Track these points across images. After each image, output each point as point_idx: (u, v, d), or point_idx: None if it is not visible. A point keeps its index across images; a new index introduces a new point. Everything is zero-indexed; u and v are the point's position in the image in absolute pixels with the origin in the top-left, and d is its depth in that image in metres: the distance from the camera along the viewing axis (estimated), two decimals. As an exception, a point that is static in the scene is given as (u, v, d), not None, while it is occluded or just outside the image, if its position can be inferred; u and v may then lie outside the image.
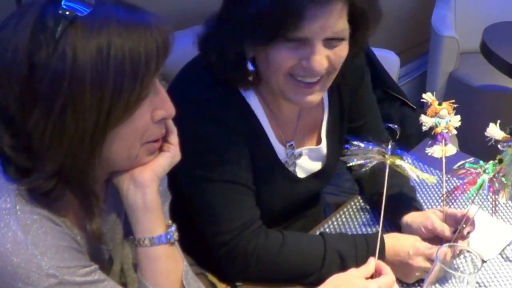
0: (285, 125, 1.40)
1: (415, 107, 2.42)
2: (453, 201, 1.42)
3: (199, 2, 2.18)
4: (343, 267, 1.23)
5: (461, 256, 1.17)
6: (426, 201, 1.60)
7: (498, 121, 1.28)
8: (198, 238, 1.30)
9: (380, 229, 1.20)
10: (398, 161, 1.18)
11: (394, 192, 1.45)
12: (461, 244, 1.21)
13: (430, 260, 1.24)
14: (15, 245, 0.87)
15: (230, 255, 1.30)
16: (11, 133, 0.89)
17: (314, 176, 1.48)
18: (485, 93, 3.22)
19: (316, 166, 1.48)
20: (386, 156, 1.19)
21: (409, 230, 1.36)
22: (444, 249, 1.13)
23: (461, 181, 1.25)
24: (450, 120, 1.29)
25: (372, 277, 1.15)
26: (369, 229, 1.49)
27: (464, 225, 1.27)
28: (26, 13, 0.88)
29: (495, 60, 2.72)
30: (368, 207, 1.56)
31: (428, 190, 1.64)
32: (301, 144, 1.44)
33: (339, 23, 1.18)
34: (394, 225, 1.42)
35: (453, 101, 1.31)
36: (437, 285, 1.12)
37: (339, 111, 1.48)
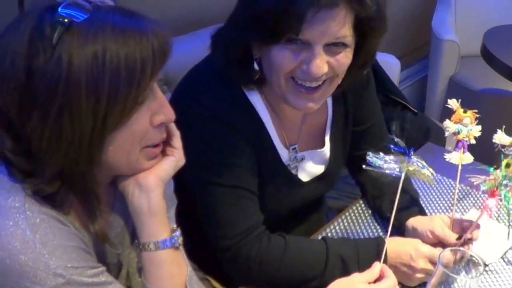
0: (289, 128, 1.40)
1: (416, 111, 2.42)
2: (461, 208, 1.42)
3: (201, 7, 2.19)
4: (345, 272, 1.23)
5: (464, 261, 1.17)
6: (434, 206, 1.60)
7: (504, 126, 1.28)
8: (201, 242, 1.30)
9: (389, 231, 1.21)
10: (413, 168, 1.20)
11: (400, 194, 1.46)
12: (463, 248, 1.20)
13: (432, 262, 1.24)
14: (24, 244, 0.88)
15: (232, 260, 1.30)
16: (12, 138, 0.90)
17: (317, 179, 1.49)
18: (486, 96, 3.22)
19: (319, 169, 1.49)
20: (404, 164, 1.20)
21: (414, 234, 1.36)
22: (447, 253, 1.13)
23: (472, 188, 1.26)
24: (471, 129, 1.29)
25: (375, 281, 1.15)
26: (371, 233, 1.49)
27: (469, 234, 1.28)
28: (24, 19, 0.89)
29: (495, 63, 2.72)
30: (370, 211, 1.56)
31: (436, 195, 1.64)
32: (304, 147, 1.45)
33: (342, 30, 1.18)
34: (397, 229, 1.42)
35: (476, 110, 1.32)
36: (439, 289, 1.12)
37: (344, 114, 1.48)
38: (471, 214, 1.48)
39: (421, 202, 1.53)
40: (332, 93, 1.33)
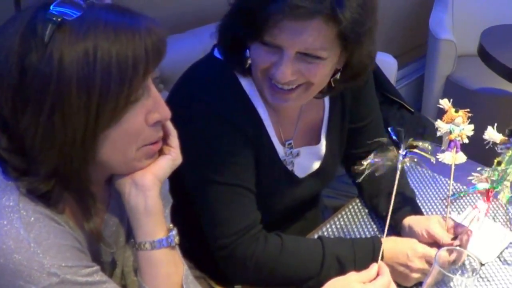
0: (285, 123, 1.41)
1: (412, 110, 2.42)
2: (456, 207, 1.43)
3: (197, 6, 2.19)
4: (341, 271, 1.23)
5: (460, 260, 1.17)
6: (430, 205, 1.60)
7: (495, 124, 1.28)
8: (197, 241, 1.30)
9: (385, 230, 1.21)
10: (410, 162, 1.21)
11: (397, 193, 1.46)
12: (459, 248, 1.21)
13: (429, 262, 1.25)
14: (18, 243, 0.88)
15: (229, 258, 1.30)
16: (6, 136, 0.90)
17: (313, 175, 1.49)
18: (483, 96, 3.22)
19: (315, 165, 1.49)
20: (400, 159, 1.21)
21: (410, 233, 1.36)
22: (443, 252, 1.13)
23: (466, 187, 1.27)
24: (463, 129, 1.29)
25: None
26: (367, 232, 1.49)
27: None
28: (19, 17, 0.89)
29: (492, 63, 2.73)
30: (366, 210, 1.57)
31: (431, 194, 1.64)
32: (300, 143, 1.45)
33: (315, 42, 1.16)
34: (393, 227, 1.43)
35: (469, 109, 1.32)
36: (435, 288, 1.12)
37: (340, 111, 1.48)
38: (467, 213, 1.48)
39: (417, 201, 1.53)
40: (322, 96, 1.35)
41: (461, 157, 1.30)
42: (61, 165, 0.90)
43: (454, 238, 1.29)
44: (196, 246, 1.31)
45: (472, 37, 3.07)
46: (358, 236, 1.48)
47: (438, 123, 1.31)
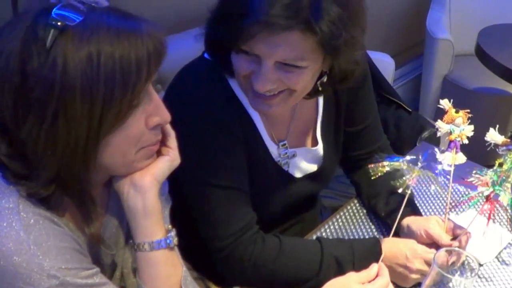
0: (277, 124, 1.40)
1: (410, 110, 2.42)
2: (456, 210, 1.43)
3: (195, 6, 2.18)
4: (340, 272, 1.23)
5: (458, 261, 1.17)
6: (429, 206, 1.60)
7: (493, 123, 1.28)
8: (195, 242, 1.29)
9: (391, 233, 1.20)
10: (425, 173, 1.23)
11: (394, 195, 1.45)
12: (458, 249, 1.20)
13: (428, 263, 1.24)
14: (17, 245, 0.88)
15: (226, 261, 1.29)
16: (7, 142, 0.90)
17: (310, 177, 1.48)
18: (480, 95, 3.23)
19: (312, 167, 1.48)
20: (416, 168, 1.23)
21: (408, 233, 1.36)
22: (441, 253, 1.13)
23: (468, 189, 1.27)
24: (463, 129, 1.29)
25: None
26: (366, 233, 1.49)
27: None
28: (18, 22, 0.88)
29: (490, 62, 2.73)
30: (365, 211, 1.56)
31: (431, 196, 1.64)
32: (295, 144, 1.44)
33: (293, 53, 1.14)
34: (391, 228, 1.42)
35: (469, 110, 1.31)
36: (434, 289, 1.12)
37: (335, 113, 1.48)
38: (467, 214, 1.48)
39: (416, 202, 1.53)
40: (310, 97, 1.34)
41: (461, 158, 1.30)
42: (62, 170, 0.90)
43: (453, 239, 1.29)
44: (194, 246, 1.30)
45: (469, 36, 3.08)
46: (357, 237, 1.47)
47: (439, 124, 1.31)
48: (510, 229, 1.50)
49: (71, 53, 0.84)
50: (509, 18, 3.32)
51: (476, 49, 2.87)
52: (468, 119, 1.31)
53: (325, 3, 1.11)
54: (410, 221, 1.38)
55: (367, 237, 1.47)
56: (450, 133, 1.30)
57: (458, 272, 1.20)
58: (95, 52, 0.84)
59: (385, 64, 2.58)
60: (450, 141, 1.30)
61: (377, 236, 1.47)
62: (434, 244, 1.30)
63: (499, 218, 1.53)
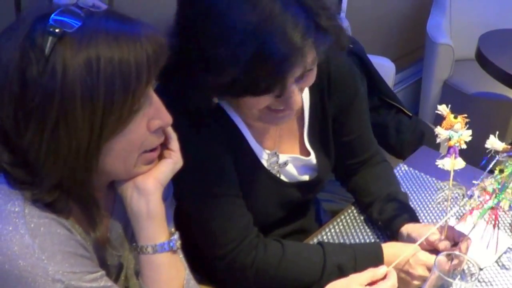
0: (264, 134, 1.37)
1: (410, 114, 2.43)
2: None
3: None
4: (342, 278, 1.23)
5: (459, 265, 1.17)
6: (428, 211, 1.60)
7: (497, 132, 1.28)
8: (196, 246, 1.29)
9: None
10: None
11: (389, 202, 1.46)
12: (458, 253, 1.21)
13: (431, 269, 1.24)
14: (23, 249, 0.88)
15: (228, 268, 1.29)
16: (9, 150, 0.90)
17: (303, 185, 1.46)
18: (480, 100, 3.23)
19: (304, 177, 1.46)
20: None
21: (408, 241, 1.35)
22: (442, 257, 1.13)
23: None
24: (461, 134, 1.29)
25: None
26: (366, 236, 1.49)
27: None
28: (16, 29, 0.88)
29: (490, 67, 2.73)
30: (365, 215, 1.56)
31: (430, 200, 1.65)
32: (284, 151, 1.41)
33: (310, 58, 1.10)
34: (390, 237, 1.43)
35: (466, 115, 1.32)
36: (434, 293, 1.12)
37: (321, 124, 1.44)
38: (469, 221, 1.48)
39: (415, 207, 1.54)
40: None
41: (460, 163, 1.30)
42: (65, 176, 0.90)
43: (454, 246, 1.29)
44: (194, 250, 1.30)
45: (469, 41, 3.08)
46: (358, 241, 1.48)
47: (438, 130, 1.32)
48: (510, 233, 1.51)
49: (70, 60, 0.83)
50: (509, 23, 3.33)
51: (476, 54, 2.88)
52: (466, 124, 1.32)
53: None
54: (410, 229, 1.37)
55: (368, 241, 1.48)
56: (449, 139, 1.30)
57: (459, 276, 1.20)
58: (94, 58, 0.84)
59: (386, 68, 2.60)
60: (449, 147, 1.31)
61: (378, 240, 1.47)
62: (435, 251, 1.30)
63: (502, 223, 1.54)
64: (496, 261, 1.41)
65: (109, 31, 0.87)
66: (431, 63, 3.38)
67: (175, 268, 1.05)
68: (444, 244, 1.28)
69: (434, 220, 1.55)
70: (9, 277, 0.87)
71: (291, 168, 1.43)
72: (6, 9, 1.52)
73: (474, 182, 1.25)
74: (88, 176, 0.92)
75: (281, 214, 1.47)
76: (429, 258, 1.26)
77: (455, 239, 1.31)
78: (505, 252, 1.44)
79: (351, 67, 1.45)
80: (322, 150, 1.46)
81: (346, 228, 1.52)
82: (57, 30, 0.84)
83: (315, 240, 1.45)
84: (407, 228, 1.37)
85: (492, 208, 1.23)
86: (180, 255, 1.09)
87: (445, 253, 1.14)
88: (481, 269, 1.38)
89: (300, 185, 1.46)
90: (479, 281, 1.35)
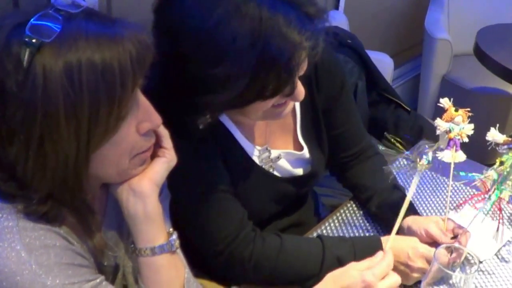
0: (253, 130, 1.36)
1: (409, 109, 2.43)
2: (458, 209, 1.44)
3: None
4: None
5: (459, 258, 1.18)
6: (428, 204, 1.60)
7: (491, 123, 1.29)
8: (191, 241, 1.28)
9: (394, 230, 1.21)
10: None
11: (387, 195, 1.47)
12: (458, 245, 1.21)
13: (430, 262, 1.25)
14: (19, 265, 0.86)
15: (226, 264, 1.29)
16: None
17: (298, 179, 1.46)
18: (478, 95, 3.24)
19: (297, 171, 1.46)
20: (419, 162, 1.22)
21: (409, 233, 1.36)
22: (442, 250, 1.13)
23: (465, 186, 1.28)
24: (463, 128, 1.30)
25: None
26: (366, 230, 1.50)
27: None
28: None
29: (488, 62, 2.74)
30: (364, 209, 1.57)
31: (429, 193, 1.65)
32: (277, 146, 1.41)
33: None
34: (390, 228, 1.43)
35: (469, 109, 1.32)
36: (434, 286, 1.13)
37: (313, 117, 1.45)
38: (465, 212, 1.49)
39: (413, 200, 1.54)
40: None
41: (461, 156, 1.31)
42: (55, 187, 0.88)
43: (453, 238, 1.30)
44: (190, 245, 1.29)
45: (467, 36, 3.09)
46: (357, 235, 1.48)
47: (438, 122, 1.32)
48: (509, 226, 1.52)
49: (49, 72, 0.80)
50: (507, 18, 3.34)
51: (474, 49, 2.88)
52: (468, 118, 1.32)
53: None
54: (410, 221, 1.38)
55: (367, 235, 1.48)
56: (449, 131, 1.30)
57: (458, 269, 1.21)
58: (76, 67, 0.80)
59: (384, 64, 2.60)
60: (450, 139, 1.31)
61: (377, 234, 1.47)
62: (434, 244, 1.31)
63: (498, 215, 1.54)
64: (496, 254, 1.42)
65: (89, 35, 0.83)
66: (429, 58, 3.38)
67: (175, 268, 1.04)
68: (444, 237, 1.29)
69: (432, 213, 1.55)
70: None
71: (284, 163, 1.42)
72: (4, 9, 1.51)
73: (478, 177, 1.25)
74: (79, 184, 0.89)
75: (277, 209, 1.47)
76: (429, 250, 1.26)
77: (455, 231, 1.32)
78: (504, 245, 1.44)
79: (336, 59, 1.45)
80: (316, 143, 1.46)
81: (346, 222, 1.53)
82: (34, 41, 0.80)
83: (314, 234, 1.45)
84: (407, 221, 1.38)
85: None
86: (180, 254, 1.08)
87: (444, 245, 1.15)
88: (480, 262, 1.38)
89: (294, 179, 1.46)
90: (478, 273, 1.36)
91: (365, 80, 2.29)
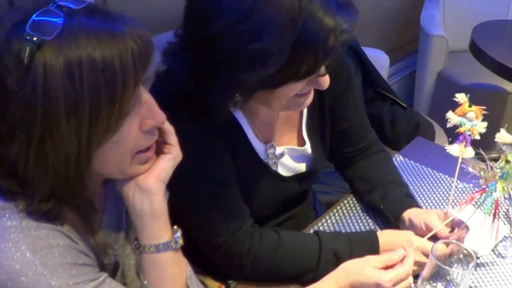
0: (263, 126, 1.37)
1: (405, 105, 2.44)
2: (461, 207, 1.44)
3: (182, 3, 2.18)
4: (338, 265, 1.23)
5: (456, 254, 1.18)
6: (428, 201, 1.61)
7: (506, 125, 1.28)
8: (189, 235, 1.28)
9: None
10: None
11: (392, 188, 1.48)
12: (455, 241, 1.21)
13: (425, 254, 1.25)
14: (24, 266, 0.85)
15: (225, 258, 1.29)
16: None
17: (299, 176, 1.47)
18: (474, 91, 3.20)
19: (301, 166, 1.47)
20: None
21: (409, 226, 1.37)
22: (439, 245, 1.13)
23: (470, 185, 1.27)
24: (476, 125, 1.30)
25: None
26: (362, 227, 1.50)
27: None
28: None
29: (484, 58, 2.74)
30: (361, 205, 1.57)
31: (429, 190, 1.65)
32: (282, 143, 1.42)
33: None
34: (392, 221, 1.43)
35: (485, 107, 1.32)
36: (431, 281, 1.13)
37: (319, 113, 1.46)
38: (468, 210, 1.49)
39: (416, 196, 1.55)
40: None
41: (469, 152, 1.30)
42: (57, 186, 0.87)
43: (452, 231, 1.30)
44: (189, 241, 1.29)
45: (463, 33, 3.09)
46: (354, 231, 1.48)
47: (449, 115, 1.32)
48: (506, 222, 1.52)
49: (50, 69, 0.79)
50: (502, 14, 3.34)
51: (470, 45, 2.88)
52: (481, 115, 1.32)
53: None
54: (412, 214, 1.38)
55: (364, 230, 1.48)
56: (460, 125, 1.30)
57: (456, 264, 1.21)
58: (76, 66, 0.80)
59: (380, 60, 2.60)
60: (459, 134, 1.31)
61: (374, 230, 1.47)
62: (434, 237, 1.31)
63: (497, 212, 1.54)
64: (493, 250, 1.42)
65: (90, 32, 0.82)
66: (425, 55, 3.38)
67: (178, 265, 1.04)
68: (443, 231, 1.29)
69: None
70: None
71: (287, 159, 1.43)
72: (0, 8, 1.50)
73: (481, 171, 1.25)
74: (81, 182, 0.89)
75: (278, 206, 1.48)
76: (423, 242, 1.27)
77: (454, 226, 1.32)
78: (501, 241, 1.44)
79: (343, 56, 1.47)
80: (318, 139, 1.47)
81: (343, 218, 1.53)
82: (34, 39, 0.80)
83: (311, 230, 1.45)
84: (409, 214, 1.38)
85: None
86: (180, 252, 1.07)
87: (442, 241, 1.15)
88: (477, 258, 1.39)
89: (297, 177, 1.46)
90: (475, 269, 1.36)
91: (361, 77, 2.29)
